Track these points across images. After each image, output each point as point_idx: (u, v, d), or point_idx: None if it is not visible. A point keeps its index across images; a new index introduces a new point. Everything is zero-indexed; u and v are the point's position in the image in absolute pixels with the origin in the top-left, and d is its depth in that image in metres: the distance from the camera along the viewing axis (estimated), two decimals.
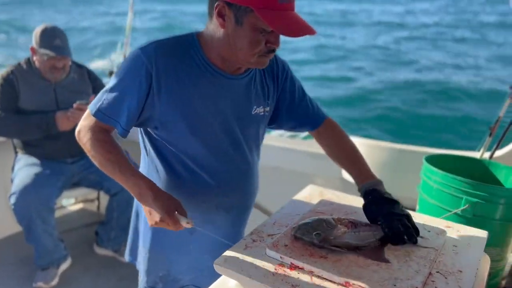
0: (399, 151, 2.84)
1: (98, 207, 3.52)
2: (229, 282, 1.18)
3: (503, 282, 1.85)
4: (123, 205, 2.84)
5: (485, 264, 1.29)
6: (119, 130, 1.27)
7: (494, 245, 1.69)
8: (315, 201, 1.49)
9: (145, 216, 1.41)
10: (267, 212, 2.60)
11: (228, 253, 1.17)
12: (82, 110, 2.58)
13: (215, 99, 1.30)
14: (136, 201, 1.48)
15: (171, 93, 1.25)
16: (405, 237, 1.18)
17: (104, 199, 3.21)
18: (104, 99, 1.26)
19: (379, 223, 1.22)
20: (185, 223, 1.21)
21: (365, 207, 1.30)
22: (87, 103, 2.63)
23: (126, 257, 1.57)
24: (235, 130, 1.35)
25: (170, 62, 1.24)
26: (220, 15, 1.18)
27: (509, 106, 2.09)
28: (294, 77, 1.50)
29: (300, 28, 1.14)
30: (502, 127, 2.11)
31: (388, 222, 1.20)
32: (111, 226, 2.92)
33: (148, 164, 1.40)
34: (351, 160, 1.44)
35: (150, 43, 1.26)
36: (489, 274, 1.34)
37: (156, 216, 1.20)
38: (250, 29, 1.16)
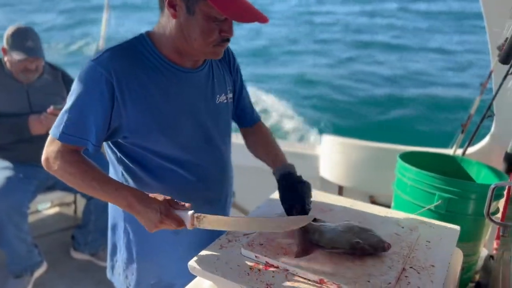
0: (375, 149, 2.87)
1: (75, 211, 3.45)
2: (204, 283, 1.17)
3: (477, 276, 1.89)
4: (101, 207, 2.79)
5: (458, 259, 1.32)
6: (90, 147, 1.23)
7: (467, 240, 1.72)
8: None
9: (127, 228, 1.39)
10: (244, 211, 2.60)
11: (202, 253, 1.16)
12: (57, 115, 2.52)
13: (179, 96, 1.28)
14: (111, 216, 1.45)
15: (136, 98, 1.22)
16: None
17: (81, 202, 3.15)
18: (67, 120, 1.21)
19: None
20: (188, 215, 1.14)
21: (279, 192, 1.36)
22: (62, 108, 2.58)
23: (109, 275, 1.53)
24: (205, 123, 1.34)
25: (128, 67, 1.21)
26: (171, 5, 1.17)
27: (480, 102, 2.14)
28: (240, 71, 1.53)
29: (252, 14, 1.13)
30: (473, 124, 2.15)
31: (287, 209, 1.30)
32: (88, 230, 2.87)
33: (121, 175, 1.35)
34: (268, 155, 1.48)
35: (103, 52, 1.21)
36: (463, 269, 1.36)
37: (154, 221, 1.14)
38: (202, 18, 1.15)
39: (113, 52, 1.21)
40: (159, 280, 1.42)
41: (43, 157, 1.24)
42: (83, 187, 1.21)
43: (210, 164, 1.38)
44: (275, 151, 1.49)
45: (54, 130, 1.23)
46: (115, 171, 1.37)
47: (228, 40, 1.22)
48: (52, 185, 2.80)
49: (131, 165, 1.32)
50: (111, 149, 1.33)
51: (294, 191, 1.32)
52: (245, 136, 1.58)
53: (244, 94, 1.53)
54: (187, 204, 1.17)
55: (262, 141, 1.54)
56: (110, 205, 1.45)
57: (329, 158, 2.92)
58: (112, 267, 1.50)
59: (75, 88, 1.21)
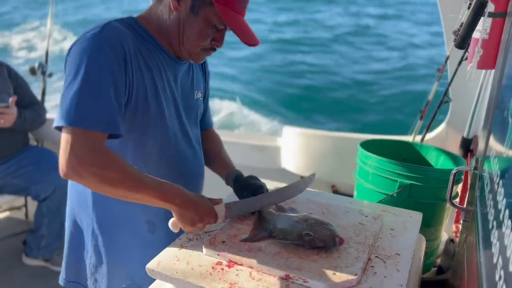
0: (335, 138, 2.89)
1: (26, 215, 3.28)
2: (164, 286, 1.10)
3: (438, 261, 1.92)
4: (54, 210, 2.66)
5: (421, 245, 1.32)
6: (119, 131, 1.08)
7: (428, 226, 1.74)
8: None
9: (95, 229, 1.31)
10: None
11: (161, 255, 1.10)
12: (0, 113, 2.38)
13: (169, 85, 1.26)
14: (73, 217, 1.34)
15: (141, 78, 1.16)
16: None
17: (33, 205, 2.98)
18: (82, 102, 1.02)
19: None
20: (223, 207, 1.17)
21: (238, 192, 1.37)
22: (7, 106, 2.43)
23: (61, 281, 1.42)
24: (184, 116, 1.33)
25: (133, 42, 1.15)
26: None
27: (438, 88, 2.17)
28: None
29: (249, 35, 1.18)
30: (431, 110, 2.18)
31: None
32: (41, 234, 2.73)
33: None
34: (219, 162, 1.51)
35: (102, 26, 1.09)
36: (425, 254, 1.37)
37: (206, 215, 1.12)
38: (203, 21, 1.17)
39: (115, 26, 1.12)
40: (132, 282, 1.35)
41: (63, 166, 1.01)
42: (127, 186, 1.04)
43: (189, 158, 1.35)
44: (226, 158, 1.52)
45: (70, 118, 1.01)
46: None
47: (215, 49, 1.25)
48: (0, 188, 2.64)
49: None
50: None
51: (252, 185, 1.33)
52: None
53: (207, 101, 1.55)
54: (218, 199, 1.20)
55: (212, 149, 1.54)
56: (71, 206, 1.36)
57: (290, 149, 2.91)
58: (68, 272, 1.40)
59: (81, 63, 1.04)
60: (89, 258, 1.34)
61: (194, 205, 1.11)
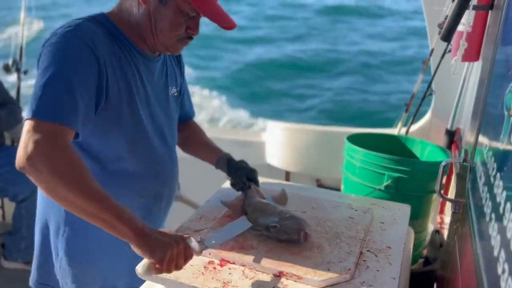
0: (319, 132, 2.89)
1: (3, 216, 3.18)
2: (154, 287, 1.08)
3: (424, 252, 1.94)
4: (33, 211, 2.55)
5: (410, 237, 1.33)
6: (76, 129, 1.02)
7: (416, 218, 1.75)
8: None
9: (67, 231, 1.26)
10: (194, 205, 2.51)
11: None
12: None
13: (144, 84, 1.23)
14: (44, 217, 1.29)
15: (114, 79, 1.12)
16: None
17: (10, 206, 2.89)
18: (49, 96, 1.00)
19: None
20: (196, 242, 0.98)
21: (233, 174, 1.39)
22: None
23: (32, 283, 1.37)
24: (159, 115, 1.30)
25: (107, 45, 1.12)
26: None
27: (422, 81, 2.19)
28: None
29: (225, 19, 1.14)
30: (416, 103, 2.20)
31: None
32: (20, 236, 2.65)
33: None
34: (207, 148, 1.50)
35: (77, 24, 1.07)
36: (414, 246, 1.38)
37: (175, 240, 0.96)
38: (173, 10, 1.13)
39: (87, 26, 1.09)
40: (104, 284, 1.32)
41: (19, 156, 0.97)
42: (80, 189, 0.95)
43: (161, 158, 1.31)
44: (212, 144, 1.50)
45: (38, 111, 0.98)
46: None
47: (191, 38, 1.20)
48: None
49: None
50: None
51: (245, 168, 1.39)
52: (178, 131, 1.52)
53: (185, 93, 1.50)
54: (186, 235, 1.02)
55: (196, 137, 1.52)
56: (42, 206, 1.31)
57: (275, 144, 2.90)
58: (39, 274, 1.36)
59: (53, 60, 1.02)
60: (60, 259, 1.30)
61: (159, 231, 0.98)
